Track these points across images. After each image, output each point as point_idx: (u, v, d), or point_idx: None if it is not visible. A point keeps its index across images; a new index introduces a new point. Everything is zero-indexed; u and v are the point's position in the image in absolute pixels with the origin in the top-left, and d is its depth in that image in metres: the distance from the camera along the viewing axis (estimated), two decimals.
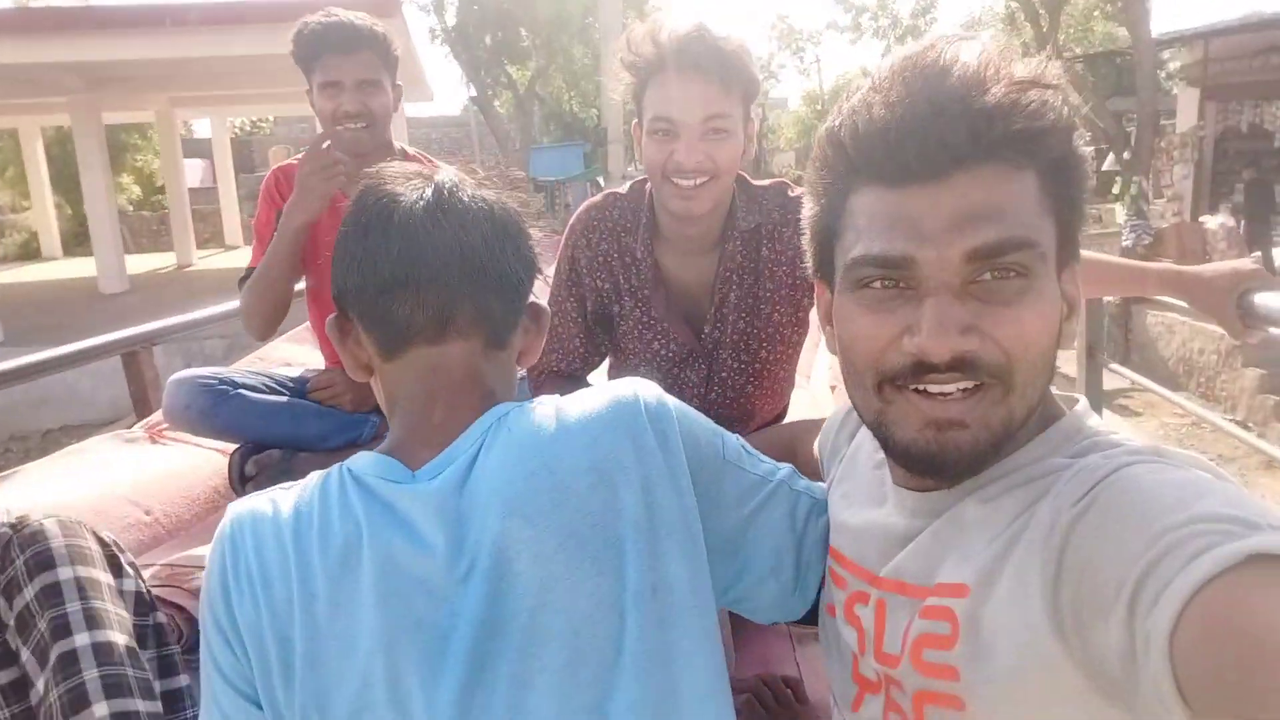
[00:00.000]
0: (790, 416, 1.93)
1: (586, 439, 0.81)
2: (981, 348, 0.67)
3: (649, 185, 1.63)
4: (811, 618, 0.95)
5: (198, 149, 25.46)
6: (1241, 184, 12.08)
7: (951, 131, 0.66)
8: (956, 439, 0.69)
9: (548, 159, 18.78)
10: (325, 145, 1.99)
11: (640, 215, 1.67)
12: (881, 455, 0.84)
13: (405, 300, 0.84)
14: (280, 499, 0.83)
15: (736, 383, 1.71)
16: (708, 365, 1.71)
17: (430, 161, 1.80)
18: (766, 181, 1.70)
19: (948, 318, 0.67)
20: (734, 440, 0.93)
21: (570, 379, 1.79)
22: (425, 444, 0.83)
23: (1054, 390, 0.77)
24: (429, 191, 0.86)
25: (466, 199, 0.87)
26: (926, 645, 0.71)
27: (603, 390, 0.86)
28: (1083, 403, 0.77)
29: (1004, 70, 0.68)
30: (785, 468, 0.96)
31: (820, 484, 0.98)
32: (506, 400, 0.87)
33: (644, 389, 0.86)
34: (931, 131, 0.67)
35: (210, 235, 20.55)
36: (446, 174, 0.89)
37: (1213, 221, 9.66)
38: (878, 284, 0.71)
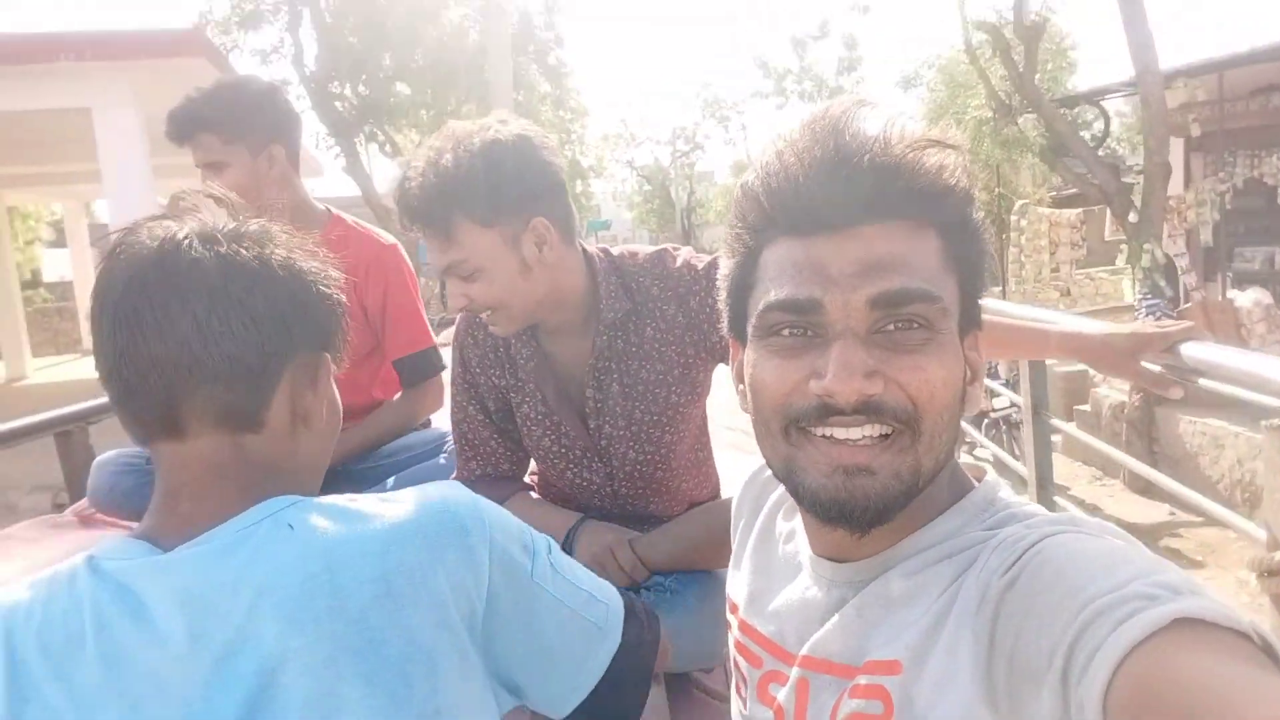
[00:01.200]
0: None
1: (378, 546, 0.75)
2: (886, 392, 0.69)
3: None
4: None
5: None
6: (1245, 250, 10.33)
7: (857, 182, 0.70)
8: (865, 486, 0.70)
9: None
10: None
11: None
12: (792, 527, 0.87)
13: (125, 400, 0.79)
14: (7, 592, 0.76)
15: (645, 473, 1.61)
16: (605, 463, 1.61)
17: (359, 227, 2.24)
18: (646, 251, 1.60)
19: (853, 360, 0.68)
20: (544, 557, 0.87)
21: (505, 481, 1.67)
22: (174, 534, 0.77)
23: (961, 461, 0.79)
24: (138, 265, 0.78)
25: (182, 268, 0.78)
26: None
27: (411, 494, 0.81)
28: (991, 474, 0.79)
29: (908, 129, 0.71)
30: (604, 598, 0.92)
31: (620, 599, 0.95)
32: (287, 483, 0.81)
33: (456, 494, 0.82)
34: (838, 181, 0.70)
35: (75, 339, 18.18)
36: (170, 231, 0.80)
37: (1245, 298, 7.68)
38: (786, 332, 0.73)
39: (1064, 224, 13.85)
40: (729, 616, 0.94)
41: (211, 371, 0.77)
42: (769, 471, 0.97)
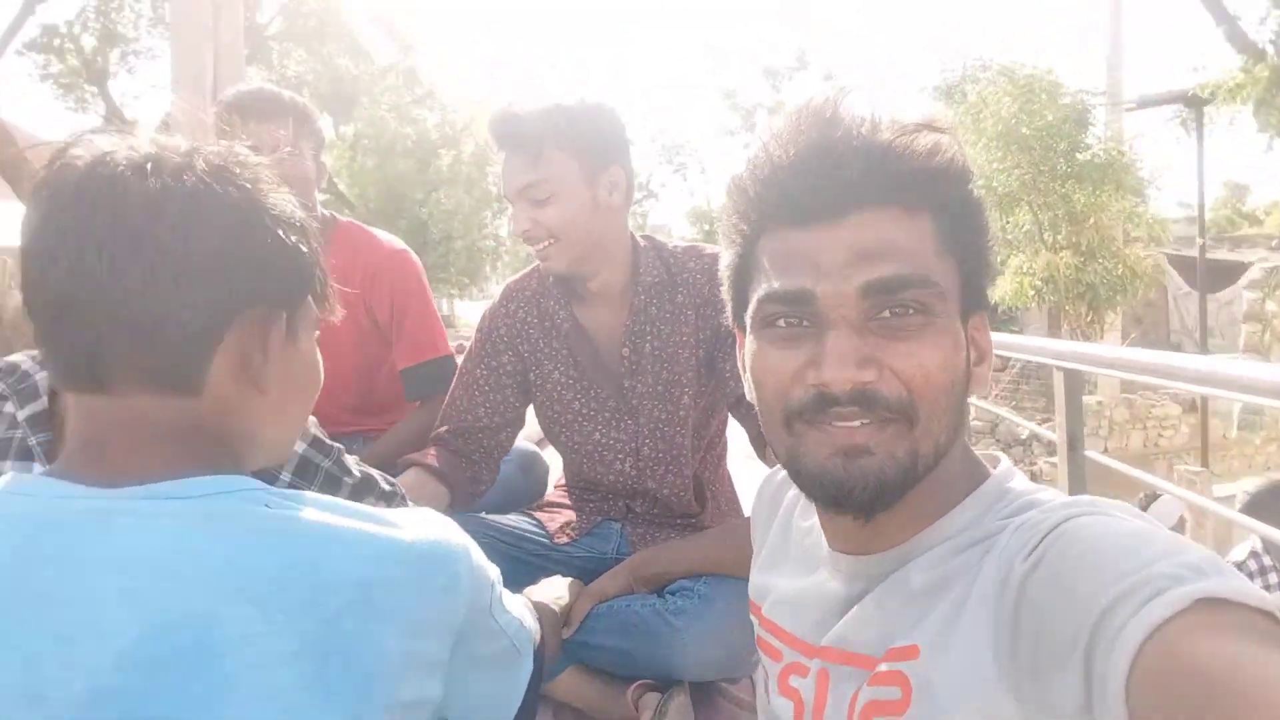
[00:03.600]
0: None
1: (370, 552, 0.68)
2: (880, 379, 0.69)
3: None
4: None
5: None
6: None
7: (845, 170, 0.69)
8: (864, 466, 0.70)
9: None
10: None
11: (550, 278, 1.74)
12: (810, 523, 0.87)
13: (44, 339, 0.70)
14: None
15: (666, 433, 1.71)
16: (634, 420, 1.72)
17: (366, 232, 2.22)
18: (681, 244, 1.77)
19: (847, 349, 0.69)
20: (498, 589, 0.83)
21: (452, 446, 1.75)
22: (104, 480, 0.66)
23: (975, 451, 0.80)
24: (59, 193, 0.68)
25: (103, 199, 0.66)
26: (875, 713, 0.71)
27: (410, 513, 0.75)
28: (1005, 462, 0.79)
29: (895, 114, 0.71)
30: (527, 622, 0.91)
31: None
32: (244, 452, 0.74)
33: (451, 527, 0.77)
34: (825, 171, 0.70)
35: None
36: (105, 154, 0.68)
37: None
38: (781, 322, 0.73)
39: None
40: (751, 617, 0.95)
41: (136, 328, 0.67)
42: (782, 474, 0.99)
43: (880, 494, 0.70)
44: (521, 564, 1.70)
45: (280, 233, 0.73)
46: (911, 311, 0.70)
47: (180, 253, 0.67)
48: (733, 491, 1.93)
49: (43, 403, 1.21)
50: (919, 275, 0.69)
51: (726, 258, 0.82)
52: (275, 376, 0.75)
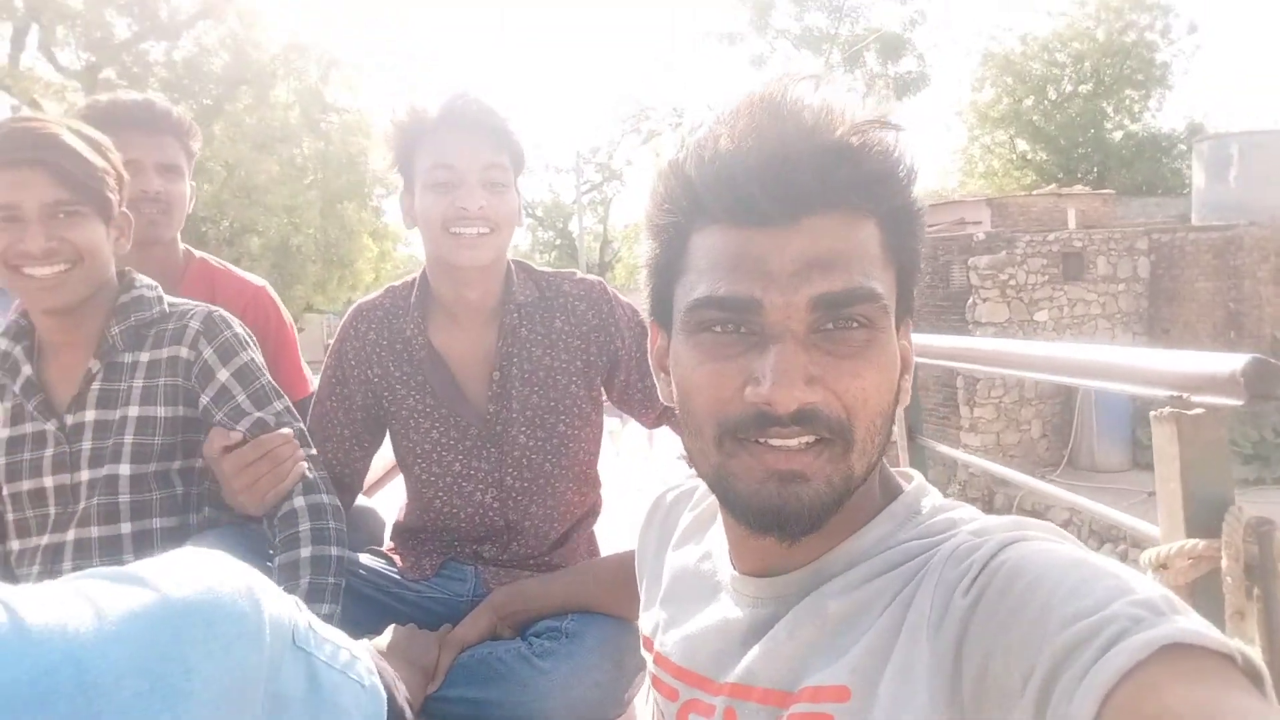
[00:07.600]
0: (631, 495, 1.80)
1: (140, 630, 0.65)
2: (823, 401, 0.67)
3: (421, 273, 1.67)
4: None
5: None
6: None
7: (799, 174, 0.66)
8: (799, 492, 0.68)
9: None
10: None
11: (410, 296, 1.66)
12: (704, 549, 0.86)
13: None
14: None
15: (534, 461, 1.65)
16: (498, 448, 1.63)
17: (222, 268, 2.11)
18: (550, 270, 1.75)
19: (794, 367, 0.66)
20: (304, 621, 0.82)
21: (345, 489, 1.69)
22: None
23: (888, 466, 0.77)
24: None
25: None
26: None
27: (175, 568, 0.70)
28: (919, 478, 0.77)
29: (850, 110, 0.67)
30: (362, 657, 0.89)
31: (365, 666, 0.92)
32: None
33: (228, 564, 0.75)
34: (779, 173, 0.66)
35: None
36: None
37: None
38: (718, 328, 0.69)
39: None
40: (644, 653, 0.90)
41: None
42: (673, 494, 0.97)
43: (816, 520, 0.68)
44: (372, 602, 1.58)
45: None
46: (856, 326, 0.67)
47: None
48: (592, 534, 1.84)
49: None
50: (867, 289, 0.67)
51: (651, 247, 0.76)
52: None
